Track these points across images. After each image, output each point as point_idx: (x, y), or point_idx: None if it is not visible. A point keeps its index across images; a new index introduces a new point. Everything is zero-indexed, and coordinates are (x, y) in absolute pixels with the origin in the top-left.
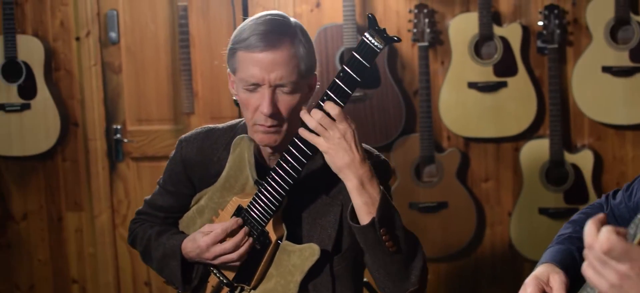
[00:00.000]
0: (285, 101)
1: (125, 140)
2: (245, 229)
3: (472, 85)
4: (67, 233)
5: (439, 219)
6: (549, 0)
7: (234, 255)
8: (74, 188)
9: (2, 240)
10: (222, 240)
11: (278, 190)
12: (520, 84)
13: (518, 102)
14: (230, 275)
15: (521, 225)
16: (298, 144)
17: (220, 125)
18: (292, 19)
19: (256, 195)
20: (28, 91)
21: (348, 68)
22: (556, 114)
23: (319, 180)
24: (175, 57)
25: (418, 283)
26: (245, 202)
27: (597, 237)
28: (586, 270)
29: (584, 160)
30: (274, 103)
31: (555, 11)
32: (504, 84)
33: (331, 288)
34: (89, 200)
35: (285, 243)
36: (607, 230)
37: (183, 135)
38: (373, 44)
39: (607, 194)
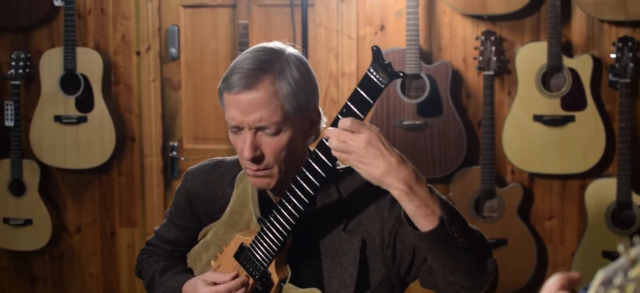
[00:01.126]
0: (270, 144)
1: (182, 158)
2: (247, 283)
3: (537, 118)
4: (120, 248)
5: (498, 256)
6: (623, 32)
7: None
8: (128, 204)
9: (56, 251)
10: None
11: (280, 230)
12: (588, 119)
13: (586, 137)
14: None
15: (584, 267)
16: (300, 181)
17: (228, 158)
18: (287, 50)
19: (259, 233)
20: (85, 104)
21: (351, 104)
22: (625, 152)
23: (334, 216)
24: None
25: (495, 271)
26: (248, 240)
27: None
28: None
29: None
30: (254, 147)
31: (630, 43)
32: (571, 118)
33: None
34: (143, 217)
35: (288, 286)
36: None
37: (190, 167)
38: (377, 78)
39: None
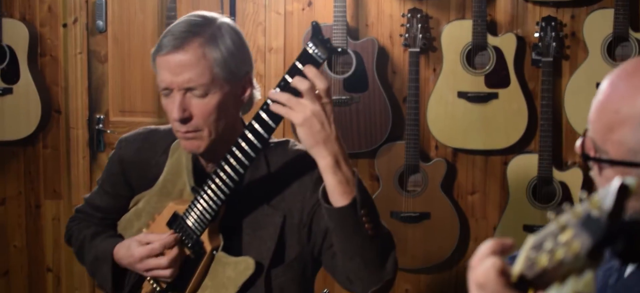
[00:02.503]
0: (198, 105)
1: (108, 131)
2: (178, 240)
3: (462, 95)
4: (45, 221)
5: (421, 230)
6: (547, 12)
7: (167, 272)
8: (54, 176)
9: None
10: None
11: (214, 199)
12: (511, 96)
13: (508, 114)
14: (164, 283)
15: None
16: (235, 152)
17: (162, 127)
18: (221, 19)
19: (193, 202)
20: (11, 76)
21: (289, 78)
22: (547, 129)
23: (260, 189)
24: None
25: (393, 272)
26: (181, 208)
27: (482, 262)
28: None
29: (573, 178)
30: (183, 108)
31: (552, 23)
32: (495, 95)
33: None
34: (68, 189)
35: (220, 254)
36: (491, 264)
37: (123, 135)
38: (316, 53)
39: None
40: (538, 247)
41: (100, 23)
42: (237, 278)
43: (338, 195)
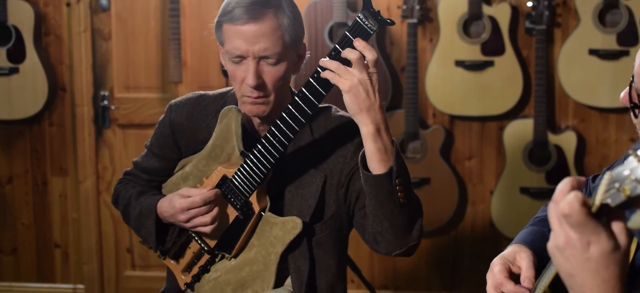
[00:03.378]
0: (270, 72)
1: (112, 107)
2: (220, 195)
3: (459, 64)
4: (52, 197)
5: (421, 195)
6: None
7: (206, 219)
8: (60, 154)
9: None
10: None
11: (263, 162)
12: (507, 64)
13: (504, 81)
14: (212, 242)
15: (502, 204)
16: (286, 118)
17: (210, 93)
18: None
19: (242, 166)
20: (17, 55)
21: (340, 47)
22: (541, 94)
23: (304, 152)
24: (165, 25)
25: (418, 238)
26: (230, 172)
27: (565, 196)
28: (550, 218)
29: (567, 141)
30: (258, 74)
31: None
32: (490, 63)
33: (308, 257)
34: (74, 166)
35: (268, 214)
36: (574, 196)
37: (173, 100)
38: (367, 25)
39: (588, 178)
40: (620, 179)
41: (104, 1)
42: (284, 237)
43: (376, 162)
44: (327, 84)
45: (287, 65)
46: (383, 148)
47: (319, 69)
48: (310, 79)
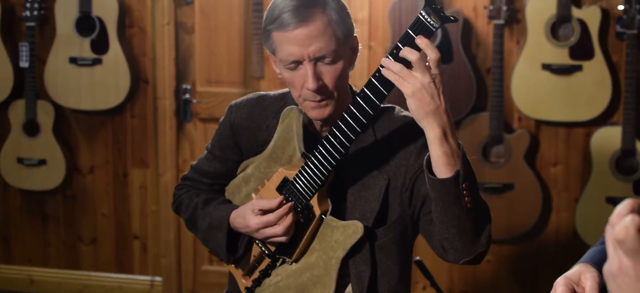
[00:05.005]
0: (329, 72)
1: (194, 101)
2: (292, 209)
3: (546, 67)
4: (132, 189)
5: (504, 201)
6: None
7: (283, 239)
8: (141, 145)
9: (68, 191)
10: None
11: (324, 164)
12: (595, 69)
13: (592, 86)
14: (273, 246)
15: (587, 213)
16: (347, 118)
17: (271, 93)
18: None
19: (303, 168)
20: (100, 46)
21: (402, 45)
22: (631, 101)
23: (366, 154)
24: (248, 20)
25: (486, 245)
26: (291, 174)
27: (621, 220)
28: (606, 242)
29: None
30: (318, 77)
31: None
32: (579, 68)
33: (370, 261)
34: (155, 158)
35: (329, 218)
36: (631, 221)
37: (233, 101)
38: (429, 22)
39: None
40: None
41: None
42: (345, 241)
43: (442, 166)
44: (389, 84)
45: (344, 61)
46: (450, 152)
47: (380, 68)
48: (372, 79)
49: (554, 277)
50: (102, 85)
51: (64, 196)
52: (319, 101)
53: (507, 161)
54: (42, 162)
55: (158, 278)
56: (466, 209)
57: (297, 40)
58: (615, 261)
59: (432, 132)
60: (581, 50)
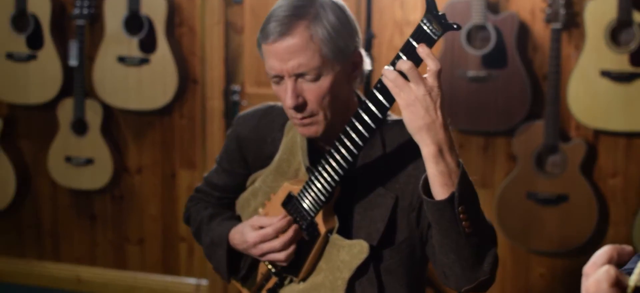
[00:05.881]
0: (311, 90)
1: (243, 102)
2: (295, 228)
3: (605, 74)
4: (180, 190)
5: (558, 212)
6: None
7: (281, 256)
8: (189, 146)
9: (116, 191)
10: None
11: (328, 180)
12: None
13: None
14: (280, 265)
15: None
16: (349, 132)
17: (279, 104)
18: None
19: (307, 183)
20: (148, 45)
21: (403, 55)
22: None
23: (375, 169)
24: None
25: (490, 272)
26: (296, 189)
27: (596, 271)
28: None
29: None
30: (296, 94)
31: None
32: (639, 75)
33: (377, 284)
34: (203, 159)
35: (335, 236)
36: (605, 273)
37: (241, 112)
38: (430, 29)
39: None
40: None
41: None
42: (351, 262)
43: (438, 187)
44: (391, 96)
45: (333, 78)
46: (446, 171)
47: (381, 78)
48: (374, 90)
49: None
50: (150, 84)
51: (112, 196)
52: (301, 119)
53: (562, 171)
54: (89, 161)
55: (204, 281)
56: (464, 234)
57: (276, 54)
58: None
59: (426, 149)
60: None
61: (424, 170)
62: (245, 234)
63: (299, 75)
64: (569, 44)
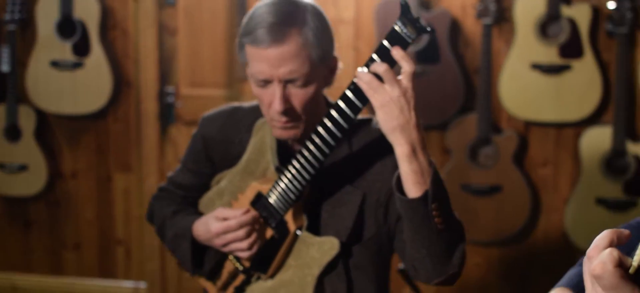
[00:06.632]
0: (298, 95)
1: (178, 104)
2: (257, 218)
3: (535, 67)
4: (116, 193)
5: (492, 203)
6: None
7: (244, 245)
8: (124, 150)
9: (51, 197)
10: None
11: (298, 179)
12: (585, 68)
13: (582, 86)
14: (247, 262)
15: (577, 214)
16: (321, 132)
17: (245, 105)
18: (304, 1)
19: (276, 182)
20: (82, 49)
21: (377, 56)
22: (621, 100)
23: (341, 168)
24: (232, 21)
25: (458, 266)
26: (265, 188)
27: (599, 253)
28: (584, 274)
29: None
30: (285, 99)
31: None
32: (568, 67)
33: (345, 280)
34: (139, 162)
35: (304, 234)
36: (608, 255)
37: (206, 113)
38: (405, 33)
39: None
40: None
41: None
42: (321, 258)
43: (411, 185)
44: (363, 97)
45: (317, 84)
46: (419, 170)
47: (354, 80)
48: (346, 92)
49: (544, 279)
50: (84, 88)
51: (47, 202)
52: (285, 122)
53: (495, 163)
54: (23, 168)
55: (142, 284)
56: (436, 230)
57: (268, 60)
58: None
59: (400, 148)
60: (571, 49)
61: (390, 168)
62: (209, 224)
63: (288, 81)
64: (500, 39)
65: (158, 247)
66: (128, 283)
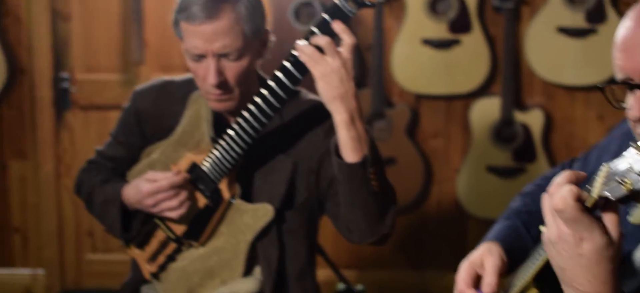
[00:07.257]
0: (232, 68)
1: (73, 89)
2: (188, 180)
3: (426, 42)
4: (11, 181)
5: (388, 174)
6: None
7: (174, 202)
8: (19, 137)
9: None
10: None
11: (235, 149)
12: (474, 42)
13: (471, 59)
14: (179, 231)
15: (469, 182)
16: (259, 103)
17: (177, 78)
18: None
19: (211, 152)
20: None
21: (316, 29)
22: (508, 72)
23: (273, 138)
24: (126, 5)
25: (390, 227)
26: (199, 158)
27: (559, 190)
28: (544, 210)
29: (533, 119)
30: (219, 72)
31: None
32: (457, 42)
33: (278, 244)
34: (34, 149)
35: (238, 202)
36: (568, 191)
37: (138, 87)
38: (345, 8)
39: (563, 163)
40: (621, 172)
41: None
42: (255, 225)
43: (350, 151)
44: (302, 68)
45: (250, 57)
46: (357, 136)
47: (293, 52)
48: (285, 63)
49: (437, 246)
50: None
51: None
52: (219, 95)
53: (389, 135)
54: None
55: (40, 270)
56: (373, 193)
57: (202, 35)
58: (554, 229)
59: (340, 116)
60: (460, 25)
61: (321, 137)
62: (140, 186)
63: (222, 55)
64: (390, 16)
65: (55, 234)
66: (25, 271)
